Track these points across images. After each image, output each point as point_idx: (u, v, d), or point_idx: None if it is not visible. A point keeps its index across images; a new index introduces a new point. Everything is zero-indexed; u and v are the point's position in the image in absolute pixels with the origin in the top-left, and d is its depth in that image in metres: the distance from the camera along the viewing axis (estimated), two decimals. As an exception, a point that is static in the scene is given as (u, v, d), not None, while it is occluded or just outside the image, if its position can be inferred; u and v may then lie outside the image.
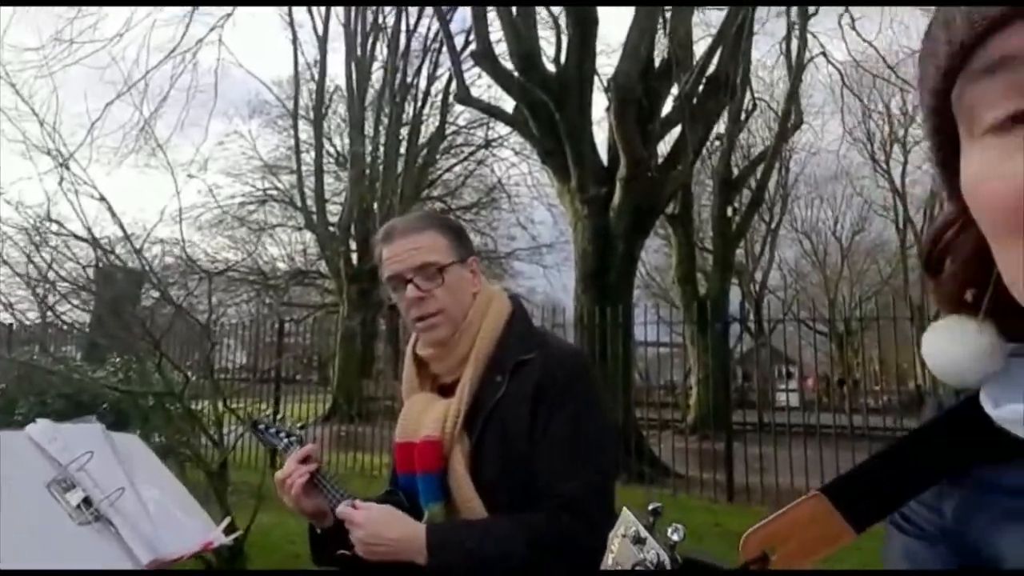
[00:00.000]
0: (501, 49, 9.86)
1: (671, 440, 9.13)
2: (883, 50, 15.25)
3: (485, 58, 9.50)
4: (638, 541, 0.55)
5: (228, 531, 1.39)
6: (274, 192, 24.76)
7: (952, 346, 0.47)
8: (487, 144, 23.33)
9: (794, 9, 13.45)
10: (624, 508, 0.57)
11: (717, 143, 15.64)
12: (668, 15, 10.00)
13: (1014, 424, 0.43)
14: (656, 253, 23.46)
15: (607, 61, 12.25)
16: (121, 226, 4.72)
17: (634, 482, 7.36)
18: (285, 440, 1.55)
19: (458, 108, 20.22)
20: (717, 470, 7.68)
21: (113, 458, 1.26)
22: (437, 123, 21.20)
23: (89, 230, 4.71)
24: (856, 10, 13.44)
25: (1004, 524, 0.45)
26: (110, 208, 4.57)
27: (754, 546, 0.48)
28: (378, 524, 1.30)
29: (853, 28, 13.12)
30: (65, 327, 6.87)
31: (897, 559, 0.53)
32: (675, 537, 0.54)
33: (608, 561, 0.56)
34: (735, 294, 20.29)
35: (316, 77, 19.81)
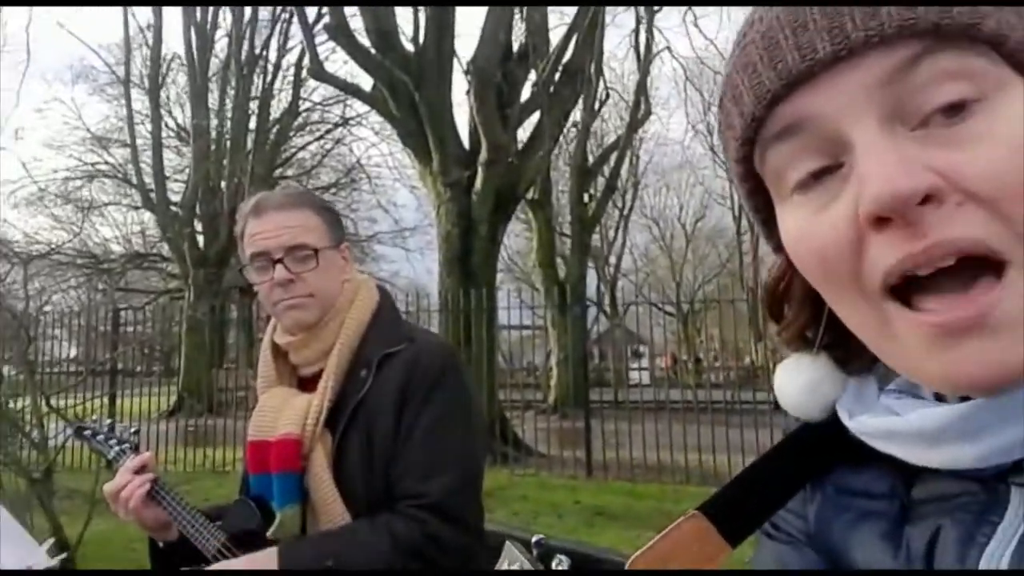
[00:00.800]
0: (357, 24, 9.53)
1: (533, 421, 9.36)
2: (722, 47, 16.34)
3: (340, 32, 9.14)
4: None
5: (55, 550, 1.22)
6: (104, 167, 22.65)
7: (794, 382, 0.51)
8: (345, 122, 22.58)
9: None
10: (507, 543, 0.54)
11: (573, 130, 16.09)
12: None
13: (864, 435, 0.46)
14: (518, 238, 23.88)
15: (466, 43, 12.20)
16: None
17: (498, 464, 7.47)
18: (116, 448, 1.39)
19: (312, 83, 19.34)
20: (576, 447, 7.97)
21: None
22: (290, 98, 20.22)
23: None
24: (698, 9, 14.28)
25: (858, 525, 0.48)
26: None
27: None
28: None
29: (696, 25, 13.93)
30: None
31: (768, 563, 0.55)
32: (560, 568, 0.53)
33: None
34: (591, 277, 21.13)
35: (150, 43, 18.16)
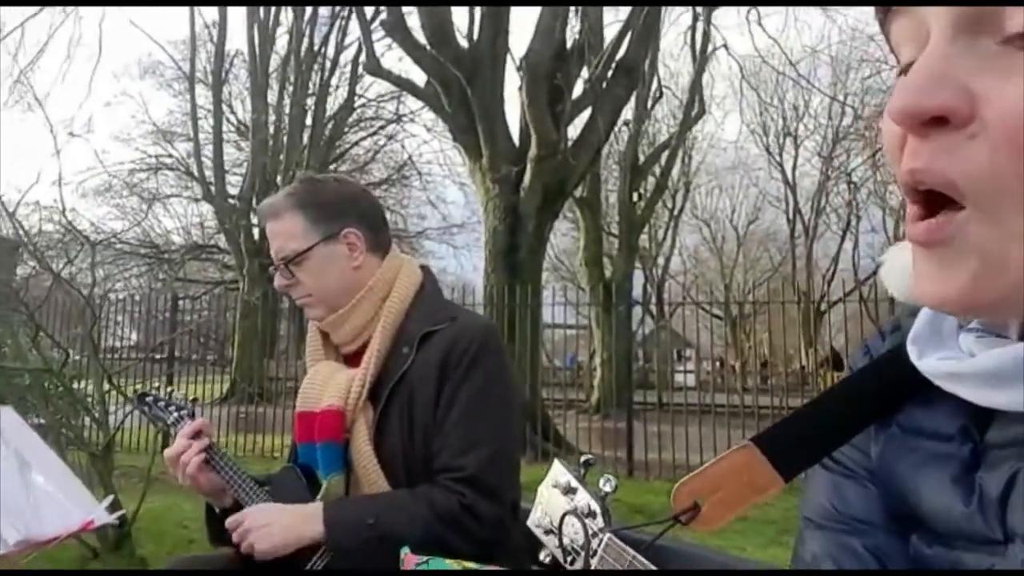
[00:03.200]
0: (413, 20, 9.65)
1: (575, 419, 9.33)
2: (783, 45, 15.86)
3: (396, 29, 9.27)
4: (569, 491, 0.55)
5: (112, 509, 1.29)
6: (168, 160, 23.46)
7: (894, 260, 0.51)
8: (398, 119, 22.87)
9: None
10: (555, 460, 0.56)
11: (624, 128, 15.95)
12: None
13: (934, 376, 0.45)
14: (564, 237, 23.82)
15: (519, 39, 12.23)
16: (-9, 188, 4.30)
17: (539, 461, 7.48)
18: (175, 414, 1.47)
19: (367, 80, 19.64)
20: (618, 448, 7.92)
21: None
22: (345, 94, 20.57)
23: (-47, 191, 4.27)
24: (763, 7, 13.87)
25: (926, 467, 0.47)
26: (-22, 168, 4.15)
27: (685, 496, 0.49)
28: (265, 510, 1.27)
29: (759, 24, 13.55)
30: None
31: (823, 494, 0.54)
32: (607, 488, 0.54)
33: (537, 512, 0.56)
34: (638, 278, 20.93)
35: (215, 39, 18.72)
